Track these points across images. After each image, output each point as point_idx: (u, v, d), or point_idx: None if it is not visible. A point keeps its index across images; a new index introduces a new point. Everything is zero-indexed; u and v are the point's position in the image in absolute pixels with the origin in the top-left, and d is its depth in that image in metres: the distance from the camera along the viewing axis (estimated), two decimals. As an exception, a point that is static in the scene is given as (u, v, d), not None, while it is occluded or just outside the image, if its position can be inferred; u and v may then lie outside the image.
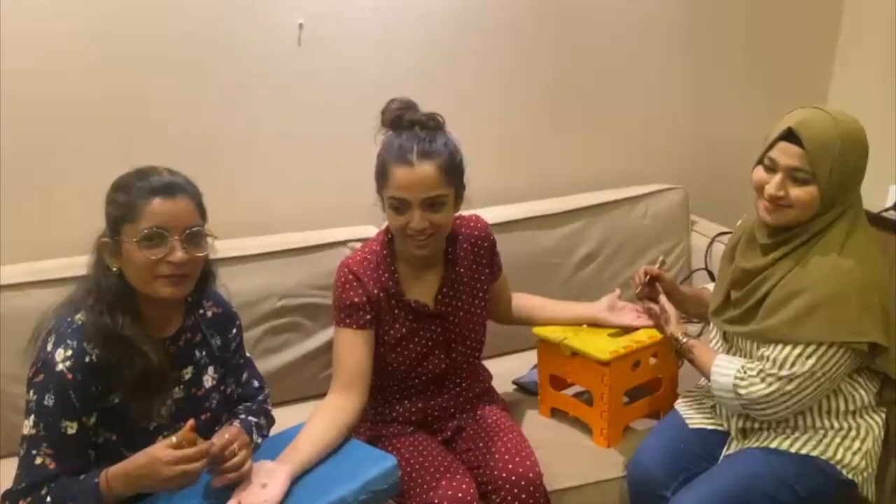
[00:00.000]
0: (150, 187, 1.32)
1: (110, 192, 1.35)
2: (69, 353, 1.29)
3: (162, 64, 1.92)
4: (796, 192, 1.50)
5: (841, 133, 1.47)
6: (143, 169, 1.36)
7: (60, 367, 1.28)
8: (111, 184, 1.36)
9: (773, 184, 1.51)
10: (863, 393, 1.58)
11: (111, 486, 1.26)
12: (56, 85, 1.85)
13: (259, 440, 1.51)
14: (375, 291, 1.63)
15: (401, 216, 1.56)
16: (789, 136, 1.49)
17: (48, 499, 1.27)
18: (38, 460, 1.29)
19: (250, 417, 1.53)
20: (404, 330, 1.67)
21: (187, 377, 1.44)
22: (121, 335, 1.31)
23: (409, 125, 1.56)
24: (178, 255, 1.31)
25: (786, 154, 1.49)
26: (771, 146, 1.52)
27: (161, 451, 1.23)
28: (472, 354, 1.76)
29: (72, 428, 1.29)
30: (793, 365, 1.49)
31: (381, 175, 1.57)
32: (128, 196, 1.31)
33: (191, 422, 1.28)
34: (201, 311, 1.49)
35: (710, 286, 1.87)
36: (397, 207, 1.56)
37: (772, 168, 1.52)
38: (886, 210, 2.49)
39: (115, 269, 1.33)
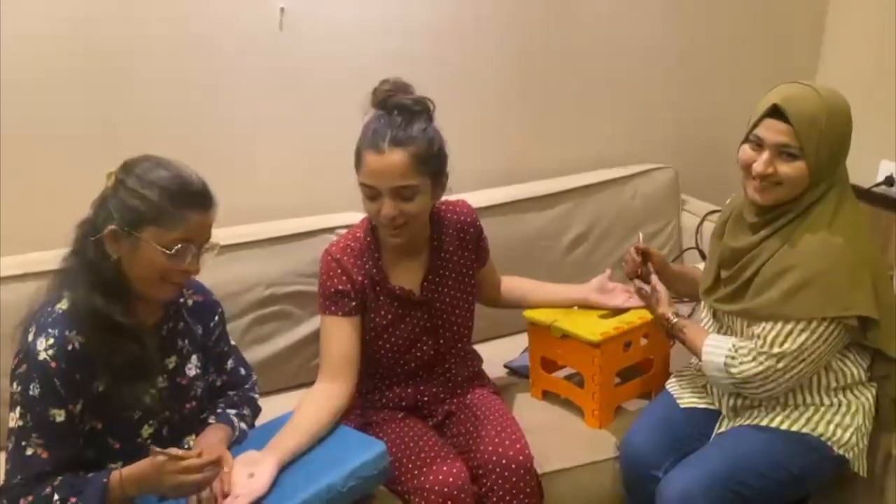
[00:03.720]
0: (190, 198, 1.29)
1: (134, 182, 1.28)
2: (51, 341, 1.27)
3: (142, 49, 1.89)
4: (785, 169, 1.48)
5: (826, 107, 1.46)
6: (174, 166, 1.31)
7: (43, 356, 1.26)
8: (131, 169, 1.29)
9: (761, 161, 1.49)
10: (853, 368, 1.58)
11: (123, 486, 1.27)
12: (38, 74, 1.81)
13: (243, 426, 1.50)
14: (360, 278, 1.62)
15: (373, 203, 1.55)
16: (775, 112, 1.47)
17: (55, 497, 1.26)
18: (30, 451, 1.27)
19: (228, 410, 1.52)
20: (390, 317, 1.65)
21: (171, 366, 1.43)
22: (115, 321, 1.30)
23: (391, 108, 1.54)
24: (197, 267, 1.32)
25: (772, 131, 1.48)
26: (756, 124, 1.50)
27: (164, 462, 1.25)
28: (459, 340, 1.75)
29: (60, 416, 1.28)
30: (784, 342, 1.49)
31: (357, 159, 1.56)
32: (162, 199, 1.27)
33: (199, 451, 1.29)
34: (182, 300, 1.47)
35: (701, 265, 1.86)
36: (369, 195, 1.55)
37: (759, 146, 1.50)
38: (877, 185, 2.49)
39: (115, 257, 1.30)
